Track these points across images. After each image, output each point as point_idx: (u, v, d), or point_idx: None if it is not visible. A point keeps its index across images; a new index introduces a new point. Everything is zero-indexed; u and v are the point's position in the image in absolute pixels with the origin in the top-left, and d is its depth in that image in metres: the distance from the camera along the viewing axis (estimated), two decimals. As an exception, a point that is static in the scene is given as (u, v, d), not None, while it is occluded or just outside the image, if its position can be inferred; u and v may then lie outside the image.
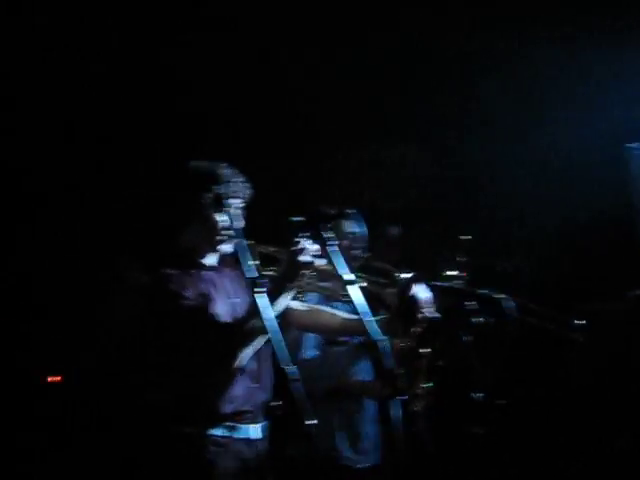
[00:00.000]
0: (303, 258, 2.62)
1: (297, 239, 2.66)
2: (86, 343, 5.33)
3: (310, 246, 2.65)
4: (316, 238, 2.68)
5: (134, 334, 4.84)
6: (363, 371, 3.62)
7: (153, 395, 2.87)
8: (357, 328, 2.92)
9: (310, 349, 3.49)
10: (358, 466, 3.50)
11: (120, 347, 5.12)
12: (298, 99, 5.26)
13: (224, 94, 5.19)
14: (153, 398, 2.86)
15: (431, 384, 3.42)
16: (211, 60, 5.07)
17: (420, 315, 2.94)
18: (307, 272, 2.69)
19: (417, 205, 5.50)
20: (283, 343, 2.29)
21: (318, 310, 3.17)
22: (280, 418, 2.70)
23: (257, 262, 2.65)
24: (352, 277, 2.56)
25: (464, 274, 4.03)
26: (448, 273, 3.94)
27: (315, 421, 2.12)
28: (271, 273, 2.80)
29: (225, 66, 5.13)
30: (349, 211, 3.40)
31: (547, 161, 5.29)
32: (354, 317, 3.08)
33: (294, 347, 3.41)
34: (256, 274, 2.40)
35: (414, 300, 2.96)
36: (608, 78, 4.91)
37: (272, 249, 2.81)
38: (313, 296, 3.40)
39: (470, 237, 3.97)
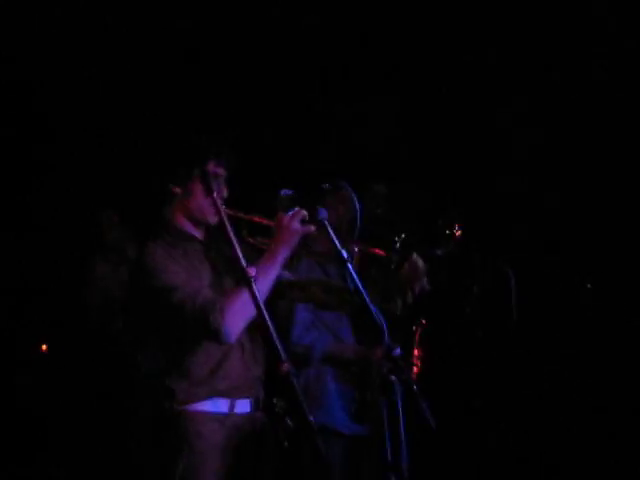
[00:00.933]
0: (293, 223, 2.53)
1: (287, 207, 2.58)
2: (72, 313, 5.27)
3: (300, 212, 2.54)
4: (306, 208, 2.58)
5: (122, 306, 4.80)
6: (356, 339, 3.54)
7: (144, 369, 2.78)
8: (352, 301, 2.90)
9: (304, 311, 3.39)
10: (351, 433, 3.43)
11: (106, 318, 5.05)
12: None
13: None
14: (145, 373, 2.77)
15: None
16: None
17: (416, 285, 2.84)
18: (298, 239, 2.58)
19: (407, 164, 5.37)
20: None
21: (312, 281, 3.09)
22: (275, 391, 2.64)
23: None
24: (345, 255, 2.46)
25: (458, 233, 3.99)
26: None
27: (313, 418, 2.01)
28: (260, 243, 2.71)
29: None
30: (339, 183, 3.28)
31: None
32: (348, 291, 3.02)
33: (286, 316, 3.35)
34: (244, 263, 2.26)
35: (413, 267, 2.86)
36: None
37: (261, 218, 2.68)
38: (305, 262, 3.31)
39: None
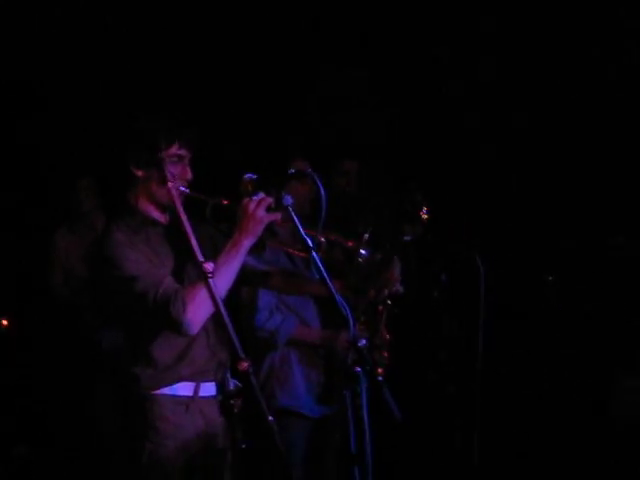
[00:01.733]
0: (258, 211, 2.47)
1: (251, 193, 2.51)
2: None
3: (266, 200, 2.48)
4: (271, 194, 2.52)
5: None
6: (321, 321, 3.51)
7: (103, 350, 2.73)
8: (318, 290, 2.85)
9: (267, 295, 3.37)
10: (317, 415, 3.45)
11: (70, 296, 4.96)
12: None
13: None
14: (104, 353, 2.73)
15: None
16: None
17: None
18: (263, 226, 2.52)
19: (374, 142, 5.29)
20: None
21: (278, 271, 3.05)
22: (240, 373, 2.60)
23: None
24: (310, 243, 2.40)
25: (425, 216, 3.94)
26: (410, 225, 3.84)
27: (272, 418, 1.98)
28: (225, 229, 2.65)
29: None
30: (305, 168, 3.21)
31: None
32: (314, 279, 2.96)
33: (250, 302, 3.30)
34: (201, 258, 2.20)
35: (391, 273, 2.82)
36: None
37: (225, 202, 2.61)
38: (269, 250, 3.25)
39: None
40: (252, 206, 2.48)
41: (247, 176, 2.53)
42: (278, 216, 2.51)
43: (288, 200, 2.47)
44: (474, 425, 3.26)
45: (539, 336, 4.10)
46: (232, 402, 2.05)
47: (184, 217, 2.30)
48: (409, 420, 2.42)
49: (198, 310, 2.46)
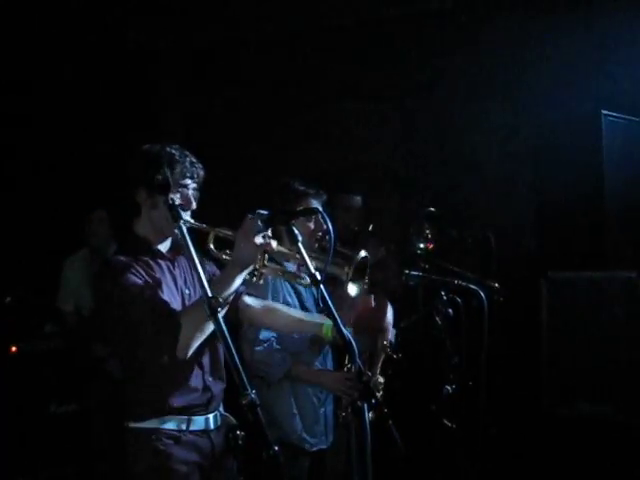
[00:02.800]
0: (257, 239, 2.50)
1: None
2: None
3: (264, 228, 2.53)
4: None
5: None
6: (320, 359, 3.54)
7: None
8: (313, 328, 2.95)
9: (266, 330, 3.38)
10: (314, 449, 3.46)
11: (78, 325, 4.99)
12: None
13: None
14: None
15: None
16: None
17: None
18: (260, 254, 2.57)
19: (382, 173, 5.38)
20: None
21: (274, 309, 3.07)
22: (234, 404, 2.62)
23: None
24: (317, 276, 2.46)
25: (431, 246, 4.00)
26: (418, 246, 3.90)
27: (276, 448, 2.01)
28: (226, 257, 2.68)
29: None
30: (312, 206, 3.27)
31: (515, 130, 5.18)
32: (310, 317, 3.02)
33: (248, 336, 3.33)
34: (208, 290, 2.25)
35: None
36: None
37: (228, 232, 2.66)
38: (271, 283, 3.30)
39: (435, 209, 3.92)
40: (244, 234, 2.51)
41: (258, 212, 2.58)
42: (272, 244, 2.54)
43: (297, 236, 2.52)
44: (476, 458, 3.28)
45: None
46: (236, 434, 2.07)
47: (194, 253, 2.32)
48: (412, 452, 2.46)
49: (190, 335, 2.51)
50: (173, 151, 2.71)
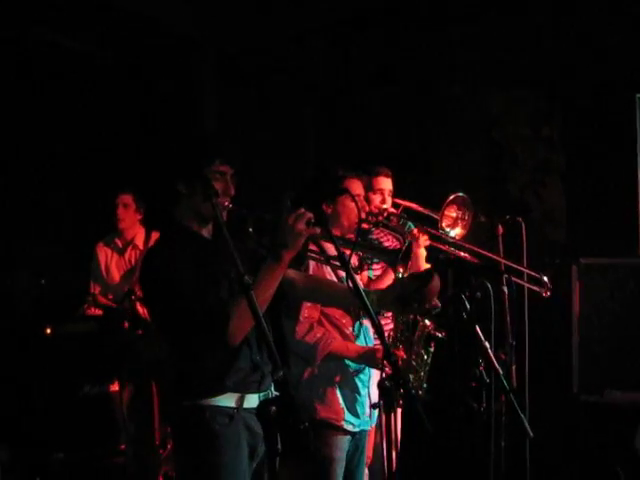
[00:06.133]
0: (298, 225, 2.52)
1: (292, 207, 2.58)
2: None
3: (305, 214, 2.54)
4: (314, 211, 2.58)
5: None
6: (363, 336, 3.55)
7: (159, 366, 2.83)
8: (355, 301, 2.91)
9: (310, 308, 3.38)
10: (356, 429, 3.45)
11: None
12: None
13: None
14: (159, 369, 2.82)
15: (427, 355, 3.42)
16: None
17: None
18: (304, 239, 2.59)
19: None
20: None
21: (318, 282, 3.13)
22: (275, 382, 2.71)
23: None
24: (345, 258, 2.48)
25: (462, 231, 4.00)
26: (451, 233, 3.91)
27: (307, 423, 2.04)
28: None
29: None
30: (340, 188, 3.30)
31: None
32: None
33: (291, 313, 3.35)
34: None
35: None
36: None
37: (269, 216, 2.69)
38: (312, 265, 3.33)
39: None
40: (292, 220, 2.53)
41: (288, 193, 2.60)
42: (317, 230, 2.58)
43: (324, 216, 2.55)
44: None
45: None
46: (269, 409, 2.11)
47: (226, 231, 2.37)
48: (440, 433, 2.46)
49: (240, 323, 2.54)
50: (211, 139, 2.78)
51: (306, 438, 2.02)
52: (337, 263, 2.90)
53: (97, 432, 5.09)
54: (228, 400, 2.68)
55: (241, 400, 2.69)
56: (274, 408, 2.10)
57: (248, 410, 2.69)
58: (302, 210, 2.55)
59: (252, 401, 2.70)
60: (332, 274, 3.42)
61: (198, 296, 2.59)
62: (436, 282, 2.83)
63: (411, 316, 3.47)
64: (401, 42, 5.48)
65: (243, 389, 2.70)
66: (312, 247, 3.07)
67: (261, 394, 2.74)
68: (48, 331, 5.26)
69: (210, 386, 2.67)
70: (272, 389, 2.80)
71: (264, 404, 2.20)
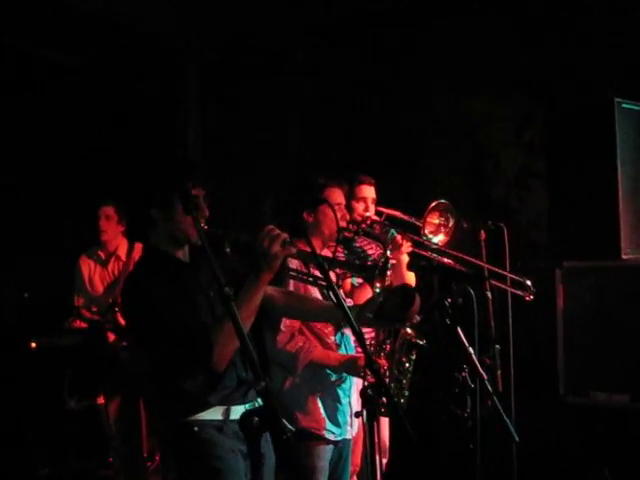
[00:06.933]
0: (274, 247, 2.55)
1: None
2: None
3: (280, 236, 2.57)
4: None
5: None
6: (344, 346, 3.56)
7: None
8: (335, 315, 2.93)
9: (288, 319, 3.40)
10: (338, 439, 3.46)
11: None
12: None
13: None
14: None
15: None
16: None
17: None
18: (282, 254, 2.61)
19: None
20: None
21: (296, 297, 3.17)
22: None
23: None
24: (333, 282, 2.52)
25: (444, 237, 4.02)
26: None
27: (293, 429, 2.05)
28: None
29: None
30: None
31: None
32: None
33: (271, 325, 3.35)
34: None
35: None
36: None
37: (244, 236, 2.70)
38: (290, 284, 3.33)
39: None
40: (267, 242, 2.56)
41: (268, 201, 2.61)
42: (293, 250, 2.61)
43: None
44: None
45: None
46: (252, 419, 2.12)
47: (206, 241, 2.40)
48: (423, 441, 2.47)
49: (224, 350, 2.58)
50: (183, 163, 2.81)
51: (289, 448, 2.02)
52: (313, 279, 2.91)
53: (84, 445, 5.08)
54: (214, 414, 2.70)
55: (227, 412, 2.71)
56: (256, 419, 2.10)
57: (235, 421, 2.70)
58: (277, 231, 2.58)
59: (238, 412, 2.70)
60: (314, 287, 3.42)
61: (180, 324, 2.60)
62: (417, 303, 2.84)
63: None
64: (384, 48, 5.51)
65: (229, 403, 2.72)
66: (292, 263, 3.07)
67: (247, 405, 2.75)
68: (33, 345, 5.25)
69: (195, 405, 2.68)
70: (258, 400, 2.78)
71: (246, 415, 2.20)
